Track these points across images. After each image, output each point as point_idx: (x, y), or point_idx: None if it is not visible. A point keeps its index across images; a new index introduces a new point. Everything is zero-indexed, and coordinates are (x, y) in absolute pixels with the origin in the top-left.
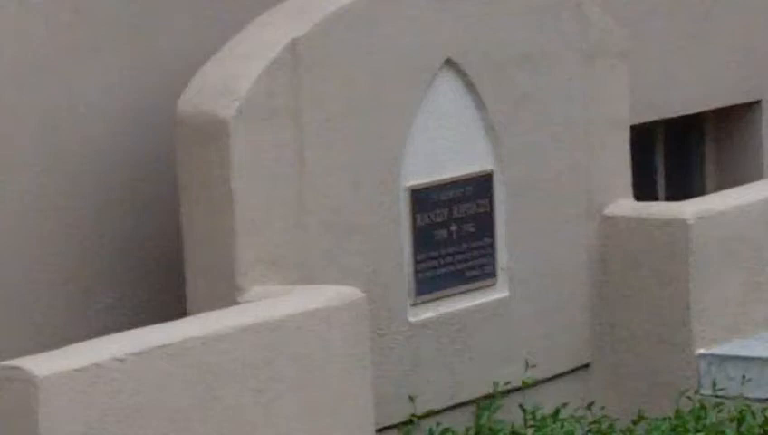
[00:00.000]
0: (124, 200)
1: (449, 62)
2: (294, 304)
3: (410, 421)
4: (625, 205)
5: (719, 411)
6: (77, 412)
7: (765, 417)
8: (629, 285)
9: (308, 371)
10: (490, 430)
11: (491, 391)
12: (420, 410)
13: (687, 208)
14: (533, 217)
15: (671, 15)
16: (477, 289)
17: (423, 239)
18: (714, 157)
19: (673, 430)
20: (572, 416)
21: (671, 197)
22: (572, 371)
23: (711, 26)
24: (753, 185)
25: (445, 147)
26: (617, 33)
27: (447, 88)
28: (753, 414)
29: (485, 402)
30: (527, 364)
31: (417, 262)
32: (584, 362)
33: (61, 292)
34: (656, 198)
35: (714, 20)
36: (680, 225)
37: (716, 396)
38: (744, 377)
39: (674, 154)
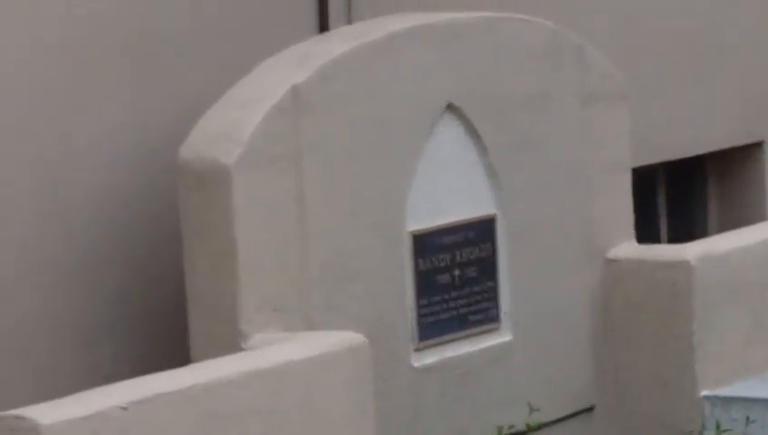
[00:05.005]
0: (126, 247)
1: (451, 107)
2: (297, 351)
3: None
4: (627, 247)
5: None
6: None
7: None
8: (633, 328)
9: (311, 416)
10: None
11: None
12: None
13: (690, 250)
14: (536, 260)
15: (671, 58)
16: (481, 333)
17: (426, 284)
18: (716, 198)
19: None
20: None
21: (674, 239)
22: (576, 414)
23: (712, 68)
24: (755, 226)
25: (447, 191)
26: (617, 76)
27: (449, 132)
28: None
29: None
30: (531, 408)
31: (419, 307)
32: (588, 405)
33: (63, 340)
34: (658, 241)
35: (715, 62)
36: (683, 267)
37: None
38: (747, 418)
39: (676, 196)
